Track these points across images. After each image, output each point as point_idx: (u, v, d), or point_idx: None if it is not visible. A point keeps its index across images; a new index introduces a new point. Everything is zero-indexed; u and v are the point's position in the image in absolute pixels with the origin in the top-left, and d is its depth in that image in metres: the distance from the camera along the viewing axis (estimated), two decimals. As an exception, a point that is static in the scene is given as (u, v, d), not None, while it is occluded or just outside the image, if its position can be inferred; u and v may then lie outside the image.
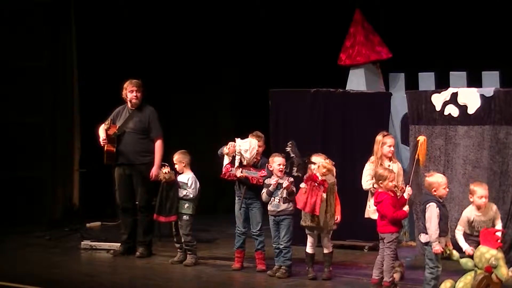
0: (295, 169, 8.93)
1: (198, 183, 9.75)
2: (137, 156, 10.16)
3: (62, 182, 13.20)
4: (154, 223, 10.11)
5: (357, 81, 11.41)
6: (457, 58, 11.64)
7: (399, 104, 10.99)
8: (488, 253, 7.68)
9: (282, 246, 9.03)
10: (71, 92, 13.25)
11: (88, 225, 12.54)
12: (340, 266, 9.41)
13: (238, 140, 9.34)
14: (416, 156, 8.65)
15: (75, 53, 13.22)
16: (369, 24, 11.52)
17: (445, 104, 9.81)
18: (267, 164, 9.23)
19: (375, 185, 8.59)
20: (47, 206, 12.96)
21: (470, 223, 8.11)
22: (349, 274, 9.12)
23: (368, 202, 9.03)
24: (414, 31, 12.08)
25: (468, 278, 7.72)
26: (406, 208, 8.28)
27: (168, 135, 10.52)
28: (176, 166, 9.75)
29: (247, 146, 9.30)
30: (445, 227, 7.94)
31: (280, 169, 8.97)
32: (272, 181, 8.99)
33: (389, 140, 9.03)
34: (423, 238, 7.98)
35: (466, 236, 8.10)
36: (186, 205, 9.67)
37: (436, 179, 8.01)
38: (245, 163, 9.31)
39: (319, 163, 8.68)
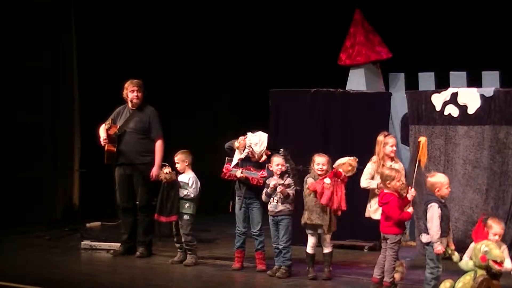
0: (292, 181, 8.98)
1: (199, 183, 9.75)
2: (137, 156, 10.16)
3: (62, 182, 13.20)
4: (154, 223, 10.11)
5: (357, 81, 11.42)
6: (457, 58, 11.64)
7: (399, 104, 11.00)
8: (479, 244, 7.68)
9: (281, 246, 9.03)
10: (71, 92, 13.25)
11: (88, 225, 12.54)
12: (340, 266, 9.41)
13: (249, 134, 9.33)
14: (418, 157, 8.64)
15: (75, 53, 13.22)
16: (369, 24, 11.53)
17: (445, 104, 9.82)
18: (267, 165, 9.23)
19: (380, 185, 8.59)
20: (47, 206, 12.96)
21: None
22: (349, 274, 9.11)
23: (368, 202, 9.03)
24: (414, 31, 12.09)
25: (467, 278, 7.71)
26: (410, 209, 8.28)
27: (168, 135, 10.52)
28: (177, 165, 9.75)
29: (257, 139, 9.28)
30: (447, 227, 7.93)
31: (279, 170, 8.97)
32: (272, 182, 8.99)
33: (391, 140, 9.04)
34: (424, 238, 7.97)
35: None
36: (187, 204, 9.67)
37: (439, 179, 8.00)
38: (256, 157, 9.28)
39: (346, 160, 8.67)
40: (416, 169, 8.48)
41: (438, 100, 9.89)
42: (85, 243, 10.83)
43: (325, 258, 8.89)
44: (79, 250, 10.70)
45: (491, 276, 7.66)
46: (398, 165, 8.94)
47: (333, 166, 8.78)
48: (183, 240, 9.70)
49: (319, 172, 8.80)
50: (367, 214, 9.03)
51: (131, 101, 10.25)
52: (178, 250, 9.85)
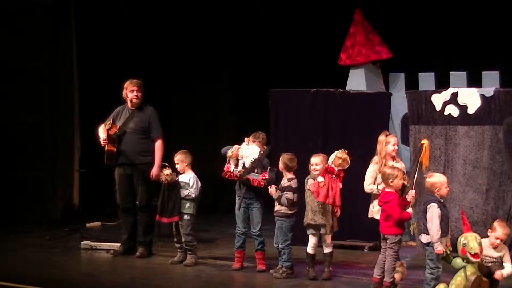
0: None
1: (199, 182, 9.75)
2: (137, 156, 10.15)
3: (62, 182, 13.19)
4: (154, 223, 10.10)
5: (357, 81, 11.42)
6: (457, 58, 11.65)
7: (399, 104, 10.99)
8: (460, 237, 7.69)
9: (280, 247, 9.05)
10: (71, 92, 13.24)
11: (88, 225, 12.53)
12: (340, 266, 9.41)
13: (243, 145, 9.33)
14: (420, 159, 8.63)
15: (75, 53, 13.21)
16: (369, 24, 11.53)
17: (445, 104, 9.81)
18: (269, 167, 9.23)
19: (379, 187, 8.59)
20: (47, 206, 12.95)
21: None
22: (349, 274, 9.12)
23: (371, 203, 9.02)
24: (414, 31, 12.10)
25: (458, 279, 7.65)
26: (410, 210, 8.27)
27: (168, 135, 10.52)
28: (177, 166, 9.75)
29: (248, 152, 9.29)
30: (446, 227, 7.93)
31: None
32: (285, 183, 8.98)
33: (393, 139, 9.03)
34: (424, 238, 7.97)
35: None
36: (188, 205, 9.67)
37: (438, 179, 8.01)
38: (247, 167, 9.30)
39: (335, 154, 8.68)
40: (417, 171, 8.48)
41: (438, 100, 9.88)
42: (85, 243, 10.83)
43: (326, 258, 8.89)
44: (79, 250, 10.70)
45: (485, 275, 7.66)
46: (399, 165, 8.94)
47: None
48: (183, 240, 9.70)
49: (314, 172, 8.82)
50: (370, 215, 9.00)
51: (131, 101, 10.24)
52: (178, 250, 9.84)
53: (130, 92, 10.22)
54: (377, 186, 8.78)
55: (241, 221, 9.42)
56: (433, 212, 7.85)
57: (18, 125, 12.68)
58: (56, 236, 11.54)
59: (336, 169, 8.66)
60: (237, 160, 9.32)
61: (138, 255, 10.14)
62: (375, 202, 8.89)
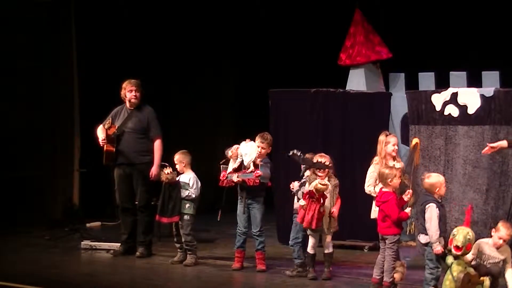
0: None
1: (199, 182, 9.76)
2: (136, 156, 10.16)
3: (62, 182, 13.19)
4: (154, 223, 10.11)
5: (357, 81, 11.41)
6: (457, 58, 11.65)
7: (399, 104, 10.99)
8: (453, 230, 7.73)
9: (290, 243, 9.14)
10: (71, 92, 13.25)
11: (88, 225, 12.54)
12: (340, 266, 9.41)
13: (243, 143, 9.34)
14: (415, 158, 8.64)
15: (75, 53, 13.21)
16: (369, 24, 11.52)
17: (445, 104, 9.81)
18: (260, 164, 9.22)
19: (376, 188, 8.59)
20: (47, 206, 12.95)
21: (480, 252, 7.92)
22: (349, 274, 9.12)
23: (374, 203, 8.99)
24: (414, 31, 12.10)
25: (447, 283, 7.64)
26: (408, 210, 8.27)
27: (168, 135, 10.52)
28: (177, 166, 9.75)
29: (247, 150, 9.30)
30: (444, 227, 7.94)
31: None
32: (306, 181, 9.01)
33: (393, 139, 9.00)
34: (422, 238, 7.97)
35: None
36: (188, 205, 9.67)
37: (437, 179, 8.01)
38: (245, 164, 9.31)
39: (316, 183, 8.65)
40: (412, 171, 8.48)
41: (438, 100, 9.88)
42: (85, 243, 10.83)
43: (326, 258, 8.90)
44: (79, 250, 10.70)
45: (484, 275, 7.66)
46: (399, 164, 8.93)
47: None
48: (183, 240, 9.70)
49: (320, 174, 8.81)
50: (373, 216, 8.91)
51: (130, 101, 10.25)
52: (178, 250, 9.85)
53: (129, 92, 10.22)
54: (374, 188, 8.76)
55: (242, 221, 9.43)
56: (432, 212, 7.85)
57: (18, 125, 12.68)
58: (56, 236, 11.53)
59: (316, 194, 8.63)
60: (236, 160, 9.33)
61: (138, 255, 10.14)
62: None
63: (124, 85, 10.27)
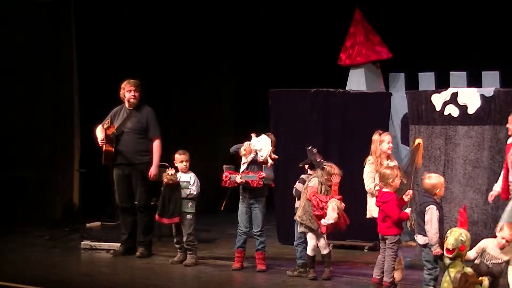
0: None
1: (198, 181, 9.75)
2: (136, 156, 10.15)
3: (62, 182, 13.20)
4: (153, 223, 10.11)
5: (357, 81, 11.41)
6: (457, 58, 11.65)
7: (399, 104, 10.99)
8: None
9: (294, 244, 9.17)
10: (71, 92, 13.25)
11: (88, 225, 12.53)
12: (340, 266, 9.41)
13: (253, 139, 9.32)
14: (416, 158, 8.63)
15: (75, 53, 13.21)
16: (369, 24, 11.52)
17: (445, 104, 9.82)
18: (264, 165, 9.22)
19: (378, 186, 8.59)
20: (47, 206, 12.96)
21: (482, 252, 7.93)
22: (349, 274, 9.12)
23: (368, 202, 9.01)
24: (414, 31, 12.10)
25: (445, 285, 7.67)
26: (408, 210, 8.27)
27: (168, 135, 10.52)
28: (179, 165, 9.69)
29: (261, 145, 9.29)
30: (442, 228, 7.94)
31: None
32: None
33: (387, 137, 8.95)
34: (420, 240, 7.97)
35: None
36: (190, 204, 9.66)
37: (438, 180, 8.01)
38: (261, 160, 9.29)
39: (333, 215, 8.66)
40: (413, 171, 8.48)
41: (438, 100, 9.89)
42: (85, 243, 10.82)
43: (324, 259, 8.91)
44: (79, 250, 10.70)
45: (484, 275, 7.67)
46: (394, 164, 8.93)
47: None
48: (184, 239, 9.69)
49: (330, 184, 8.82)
50: (368, 215, 8.97)
51: (129, 101, 10.24)
52: (178, 250, 9.84)
53: (128, 92, 10.22)
54: (375, 186, 8.76)
55: (243, 221, 9.43)
56: (432, 214, 7.84)
57: (18, 125, 12.69)
58: (56, 236, 11.53)
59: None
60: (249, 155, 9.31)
61: (138, 255, 10.14)
62: (372, 201, 8.89)
63: (123, 85, 10.27)
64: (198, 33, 13.53)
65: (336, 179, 8.77)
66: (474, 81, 10.66)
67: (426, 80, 11.11)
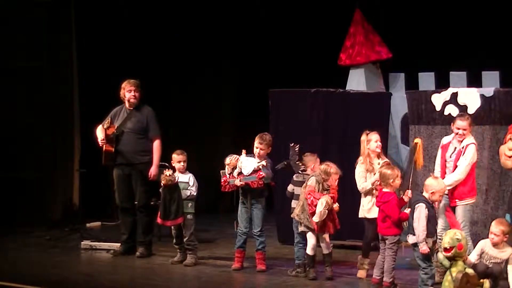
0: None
1: (196, 181, 9.75)
2: (136, 156, 10.15)
3: (62, 182, 13.19)
4: (153, 223, 10.11)
5: (357, 81, 11.41)
6: (457, 58, 11.64)
7: (399, 104, 10.99)
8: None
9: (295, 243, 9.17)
10: (71, 92, 13.25)
11: (88, 225, 12.53)
12: (340, 266, 9.41)
13: (242, 156, 9.33)
14: (415, 158, 8.64)
15: (75, 53, 13.21)
16: (369, 24, 11.53)
17: (445, 104, 9.82)
18: (261, 164, 9.22)
19: (376, 183, 8.61)
20: (47, 206, 12.95)
21: (481, 252, 7.98)
22: (349, 274, 9.11)
23: (361, 201, 9.01)
24: (414, 31, 12.09)
25: (446, 285, 7.67)
26: (408, 210, 8.28)
27: (168, 135, 10.51)
28: (177, 165, 9.70)
29: (246, 164, 9.27)
30: (433, 228, 7.95)
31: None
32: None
33: (374, 137, 9.00)
34: (410, 239, 7.99)
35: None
36: (190, 204, 9.66)
37: (440, 186, 8.02)
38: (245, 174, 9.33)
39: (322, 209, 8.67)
40: (412, 171, 8.49)
41: (438, 100, 9.89)
42: (85, 243, 10.83)
43: (326, 258, 8.91)
44: (79, 250, 10.70)
45: (483, 275, 7.68)
46: (385, 161, 8.96)
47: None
48: (185, 239, 9.68)
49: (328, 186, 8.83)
50: (361, 215, 8.99)
51: (129, 101, 10.25)
52: (178, 250, 9.84)
53: (128, 92, 10.22)
54: (374, 182, 8.78)
55: (243, 221, 9.43)
56: (421, 212, 7.87)
57: (18, 125, 12.69)
58: (56, 236, 11.53)
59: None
60: (233, 169, 9.33)
61: (138, 255, 10.14)
62: (365, 200, 8.91)
63: (123, 85, 10.28)
64: (198, 33, 13.52)
65: (334, 178, 8.78)
66: (474, 81, 10.66)
67: (426, 80, 11.11)
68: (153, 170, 10.03)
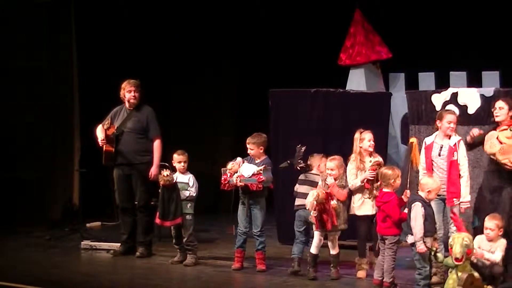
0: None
1: (197, 182, 9.74)
2: (136, 156, 10.16)
3: (62, 182, 13.20)
4: (153, 223, 10.10)
5: (357, 81, 11.41)
6: (457, 58, 11.65)
7: (399, 104, 10.99)
8: (450, 237, 7.80)
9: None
10: (71, 92, 13.25)
11: (88, 225, 12.53)
12: (340, 266, 9.38)
13: (245, 163, 9.33)
14: (411, 158, 8.65)
15: (75, 53, 13.21)
16: (369, 24, 11.53)
17: (445, 104, 9.82)
18: (261, 168, 9.22)
19: (356, 180, 8.67)
20: (47, 206, 12.96)
21: (479, 248, 7.97)
22: (349, 274, 9.11)
23: (352, 198, 9.03)
24: (414, 31, 12.09)
25: (450, 282, 7.68)
26: (406, 210, 8.29)
27: (168, 135, 10.51)
28: (178, 165, 9.68)
29: (247, 171, 9.28)
30: (431, 227, 7.95)
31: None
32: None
33: (367, 135, 9.05)
34: (409, 239, 8.00)
35: None
36: (189, 205, 9.65)
37: (435, 183, 8.04)
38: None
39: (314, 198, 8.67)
40: (409, 171, 8.50)
41: (438, 100, 9.89)
42: (85, 243, 10.83)
43: (333, 259, 8.90)
44: (79, 250, 10.70)
45: (483, 276, 7.70)
46: (377, 159, 9.00)
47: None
48: (184, 240, 9.68)
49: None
50: (351, 211, 9.02)
51: (129, 101, 10.25)
52: (178, 250, 9.84)
53: (128, 92, 10.23)
54: (364, 180, 8.83)
55: (242, 221, 9.43)
56: (417, 211, 7.89)
57: (18, 125, 12.69)
58: (56, 236, 11.54)
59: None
60: (234, 173, 9.34)
61: (138, 255, 10.14)
62: (356, 197, 8.92)
63: (123, 85, 10.28)
64: (198, 33, 13.52)
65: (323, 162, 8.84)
66: (474, 81, 10.66)
67: (426, 80, 11.11)
68: (153, 170, 10.03)
